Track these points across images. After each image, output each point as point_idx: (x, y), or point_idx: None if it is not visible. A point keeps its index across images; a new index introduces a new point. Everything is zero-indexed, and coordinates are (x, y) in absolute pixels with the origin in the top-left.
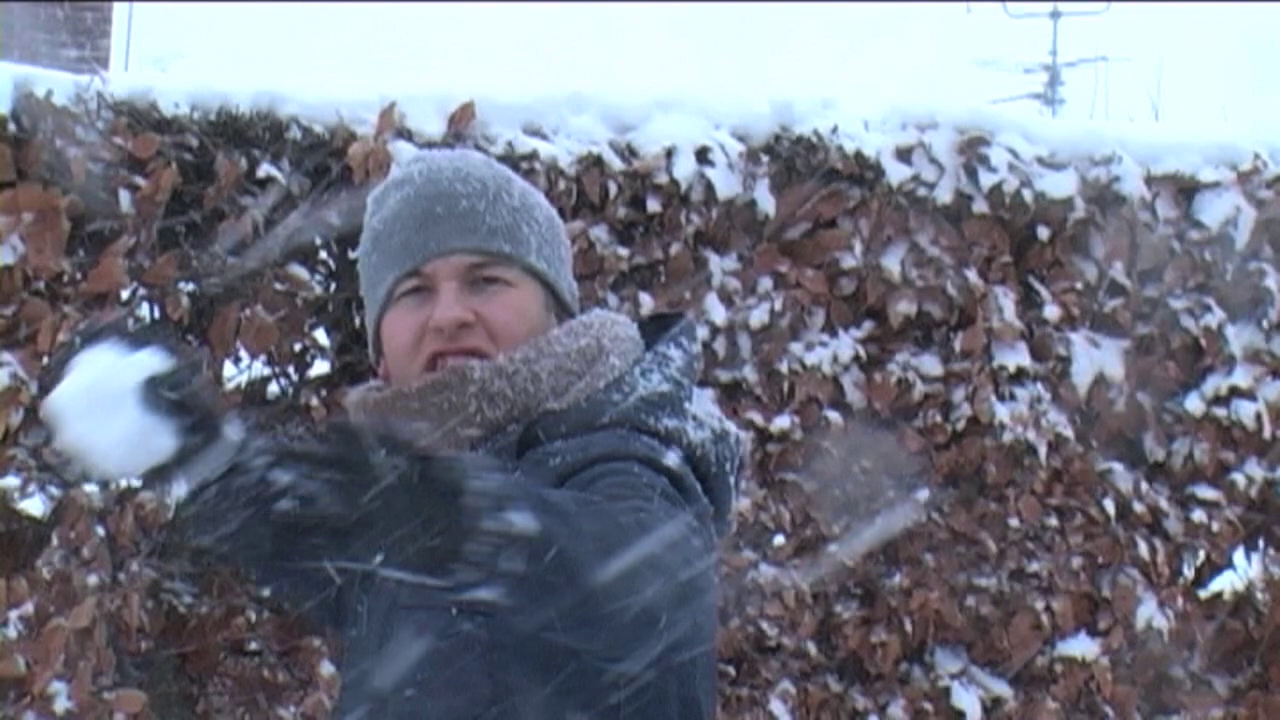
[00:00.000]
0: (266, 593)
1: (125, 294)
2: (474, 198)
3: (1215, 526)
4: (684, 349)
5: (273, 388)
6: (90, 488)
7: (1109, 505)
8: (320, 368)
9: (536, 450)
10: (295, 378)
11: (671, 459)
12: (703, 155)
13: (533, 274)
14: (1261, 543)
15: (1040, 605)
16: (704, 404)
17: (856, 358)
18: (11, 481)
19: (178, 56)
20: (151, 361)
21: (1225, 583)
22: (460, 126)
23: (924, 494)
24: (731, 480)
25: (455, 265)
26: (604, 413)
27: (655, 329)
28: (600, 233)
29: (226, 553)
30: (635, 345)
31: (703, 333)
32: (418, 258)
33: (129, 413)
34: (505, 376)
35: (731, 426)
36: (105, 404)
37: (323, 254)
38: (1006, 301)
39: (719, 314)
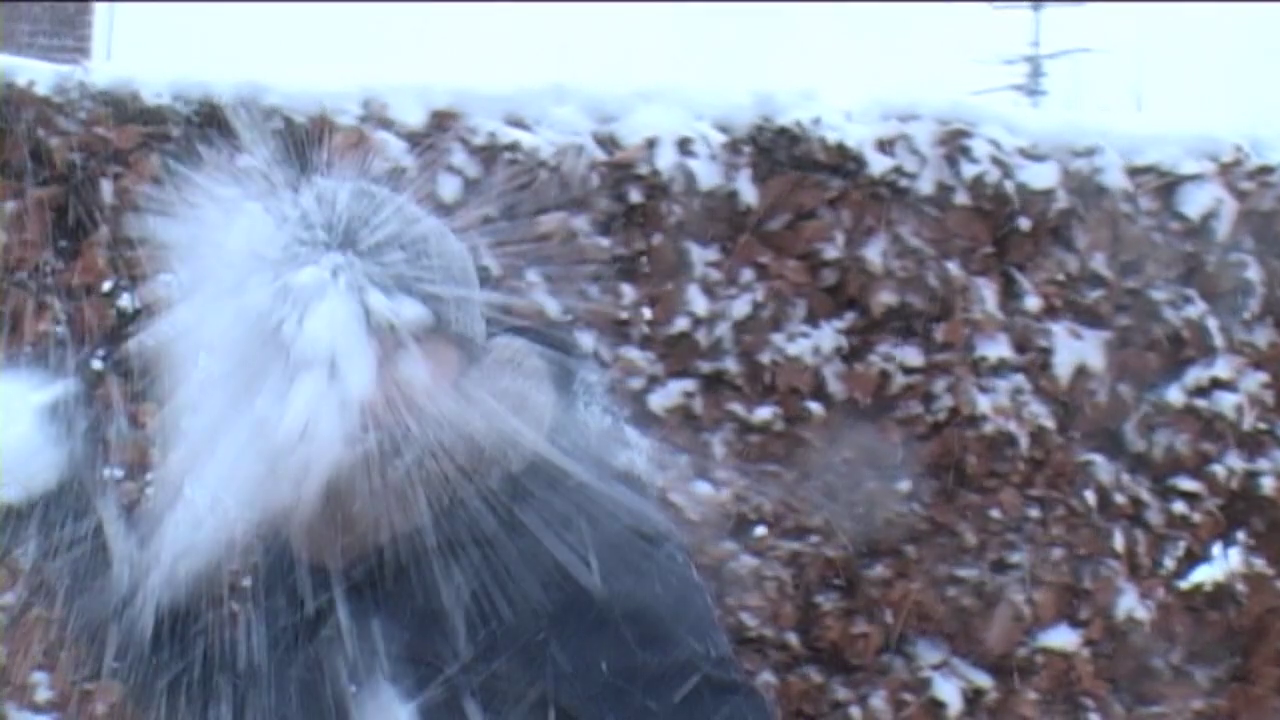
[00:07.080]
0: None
1: (107, 285)
2: None
3: (1196, 518)
4: (590, 369)
5: None
6: None
7: (1090, 496)
8: None
9: (530, 506)
10: None
11: (661, 519)
12: (684, 146)
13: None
14: (1241, 534)
15: (1021, 596)
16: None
17: (838, 349)
18: None
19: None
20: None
21: (1206, 574)
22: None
23: (905, 485)
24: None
25: None
26: (576, 457)
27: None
28: (582, 224)
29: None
30: (547, 374)
31: (684, 323)
32: None
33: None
34: (437, 425)
35: (646, 443)
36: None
37: None
38: (988, 292)
39: (700, 305)
